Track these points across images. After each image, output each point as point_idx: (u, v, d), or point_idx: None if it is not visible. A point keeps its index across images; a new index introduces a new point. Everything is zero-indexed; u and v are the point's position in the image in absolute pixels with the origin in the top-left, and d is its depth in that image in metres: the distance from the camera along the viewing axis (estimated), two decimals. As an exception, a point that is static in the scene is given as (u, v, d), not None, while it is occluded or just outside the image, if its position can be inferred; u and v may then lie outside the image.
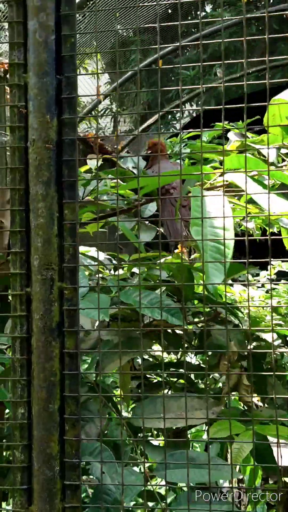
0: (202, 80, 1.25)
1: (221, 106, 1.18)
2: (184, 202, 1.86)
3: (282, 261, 4.00)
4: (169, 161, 2.21)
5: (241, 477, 2.29)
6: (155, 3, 1.21)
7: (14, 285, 1.22)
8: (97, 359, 1.42)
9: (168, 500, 1.95)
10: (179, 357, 2.25)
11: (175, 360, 2.36)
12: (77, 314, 1.20)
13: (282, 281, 4.03)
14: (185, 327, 1.53)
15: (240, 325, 1.88)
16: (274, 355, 2.08)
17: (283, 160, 1.72)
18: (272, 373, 1.69)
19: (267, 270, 4.30)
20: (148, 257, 2.14)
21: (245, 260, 1.13)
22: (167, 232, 1.95)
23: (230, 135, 1.69)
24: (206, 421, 1.42)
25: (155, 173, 2.00)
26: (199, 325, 1.99)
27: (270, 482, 2.19)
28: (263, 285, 4.48)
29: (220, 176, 1.47)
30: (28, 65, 1.19)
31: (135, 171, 1.82)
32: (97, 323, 1.57)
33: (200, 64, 1.21)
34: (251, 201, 1.47)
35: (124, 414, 2.21)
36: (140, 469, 1.98)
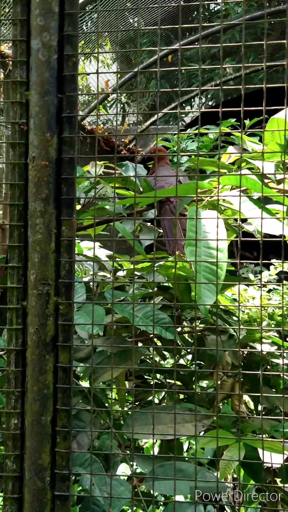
0: (199, 84, 1.27)
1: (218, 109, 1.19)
2: (184, 211, 1.87)
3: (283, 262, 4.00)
4: (171, 168, 2.22)
5: (231, 487, 2.32)
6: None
7: (10, 299, 1.24)
8: (91, 369, 1.45)
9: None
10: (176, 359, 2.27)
11: (171, 362, 2.39)
12: (71, 329, 1.22)
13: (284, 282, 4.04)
14: (178, 341, 1.55)
15: (235, 334, 1.90)
16: (270, 363, 2.10)
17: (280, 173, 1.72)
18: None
19: (269, 270, 4.31)
20: (148, 259, 2.16)
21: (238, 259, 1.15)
22: (166, 241, 1.96)
23: (230, 149, 1.70)
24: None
25: (156, 181, 2.01)
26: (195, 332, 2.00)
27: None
28: (265, 285, 4.50)
29: (215, 195, 1.49)
30: (30, 83, 1.21)
31: (136, 179, 1.83)
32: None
33: (199, 68, 1.21)
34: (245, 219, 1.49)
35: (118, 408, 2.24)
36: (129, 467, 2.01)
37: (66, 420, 1.21)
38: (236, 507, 2.63)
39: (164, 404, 2.20)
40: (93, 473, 1.25)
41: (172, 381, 2.14)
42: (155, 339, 1.85)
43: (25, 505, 1.22)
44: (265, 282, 4.46)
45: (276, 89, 1.28)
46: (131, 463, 1.29)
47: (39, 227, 1.21)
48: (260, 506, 2.56)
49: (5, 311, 1.35)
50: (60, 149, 1.21)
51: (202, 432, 1.52)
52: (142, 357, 1.58)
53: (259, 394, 1.68)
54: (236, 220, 2.30)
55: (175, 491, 1.22)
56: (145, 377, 2.27)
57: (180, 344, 1.90)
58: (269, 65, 8.35)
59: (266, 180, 1.61)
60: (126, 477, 1.46)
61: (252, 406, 2.11)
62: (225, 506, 2.56)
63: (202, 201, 1.54)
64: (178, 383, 2.07)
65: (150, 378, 2.29)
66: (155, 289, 1.89)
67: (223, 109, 1.17)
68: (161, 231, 2.13)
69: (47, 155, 1.20)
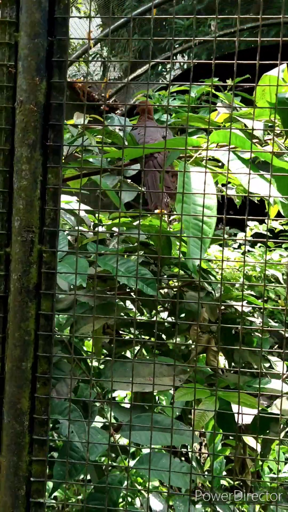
0: (194, 33, 1.25)
1: (211, 61, 1.17)
2: (168, 168, 1.86)
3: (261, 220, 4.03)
4: (155, 122, 2.19)
5: (202, 441, 2.38)
6: None
7: (-6, 244, 1.23)
8: (72, 320, 1.45)
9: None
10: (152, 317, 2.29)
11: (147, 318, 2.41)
12: (55, 277, 1.22)
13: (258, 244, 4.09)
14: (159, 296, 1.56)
15: (213, 292, 1.92)
16: (245, 322, 2.14)
17: (268, 134, 1.72)
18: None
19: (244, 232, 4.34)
20: (128, 215, 2.16)
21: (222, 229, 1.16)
22: (148, 197, 1.95)
23: (219, 106, 1.69)
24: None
25: (141, 136, 1.99)
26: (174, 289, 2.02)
27: (231, 438, 2.29)
28: (239, 246, 4.54)
29: (204, 150, 1.48)
30: (20, 24, 1.17)
31: (121, 132, 1.81)
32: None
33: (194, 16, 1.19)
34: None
35: (95, 363, 2.27)
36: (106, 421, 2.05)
37: (46, 366, 1.22)
38: (202, 461, 2.71)
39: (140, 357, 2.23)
40: (72, 419, 1.27)
41: (146, 337, 2.16)
42: (134, 295, 1.86)
43: (3, 447, 1.23)
44: (240, 243, 4.50)
45: (262, 49, 1.25)
46: (108, 413, 1.31)
47: (24, 173, 1.19)
48: (225, 460, 2.64)
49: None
50: (49, 94, 1.19)
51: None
52: (122, 313, 1.59)
53: (235, 348, 1.70)
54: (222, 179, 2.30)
55: (151, 440, 1.24)
56: (120, 332, 2.29)
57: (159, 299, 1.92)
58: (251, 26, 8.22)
59: (254, 140, 1.61)
60: (103, 426, 1.49)
61: (225, 362, 2.15)
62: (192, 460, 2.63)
63: (191, 157, 1.53)
64: (153, 339, 2.09)
65: (125, 333, 2.31)
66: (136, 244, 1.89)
67: (216, 61, 1.15)
68: (141, 188, 2.11)
69: (35, 99, 1.18)
